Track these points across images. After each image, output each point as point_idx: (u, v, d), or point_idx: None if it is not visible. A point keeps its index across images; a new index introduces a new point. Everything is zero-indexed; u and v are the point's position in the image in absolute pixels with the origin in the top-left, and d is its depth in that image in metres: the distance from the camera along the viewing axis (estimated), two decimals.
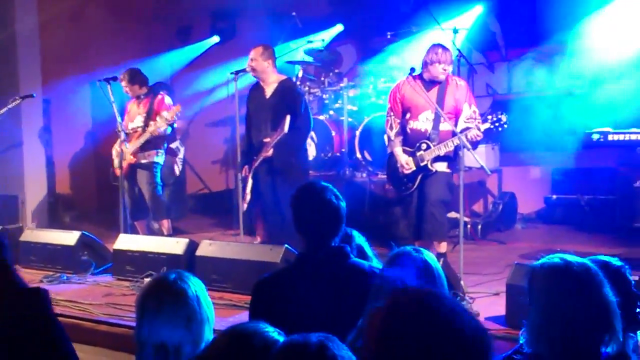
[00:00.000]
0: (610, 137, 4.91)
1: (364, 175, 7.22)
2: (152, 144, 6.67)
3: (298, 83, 7.73)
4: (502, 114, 4.96)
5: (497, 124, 4.97)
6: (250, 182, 5.95)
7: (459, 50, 7.08)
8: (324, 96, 7.80)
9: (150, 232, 6.92)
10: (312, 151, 7.38)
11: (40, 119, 8.11)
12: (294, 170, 5.85)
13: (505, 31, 8.25)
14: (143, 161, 6.68)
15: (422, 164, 5.22)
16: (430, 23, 7.39)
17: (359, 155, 7.16)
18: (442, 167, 5.25)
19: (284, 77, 6.10)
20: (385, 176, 7.11)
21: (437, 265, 2.42)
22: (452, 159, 5.30)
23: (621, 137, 4.89)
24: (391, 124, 5.43)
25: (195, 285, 2.23)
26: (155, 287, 2.25)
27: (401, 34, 7.80)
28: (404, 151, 5.34)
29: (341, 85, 7.56)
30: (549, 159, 7.97)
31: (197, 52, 9.93)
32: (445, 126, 5.22)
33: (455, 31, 6.79)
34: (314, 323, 2.53)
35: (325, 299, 2.55)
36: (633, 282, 2.32)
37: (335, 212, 2.70)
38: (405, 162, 5.27)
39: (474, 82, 8.05)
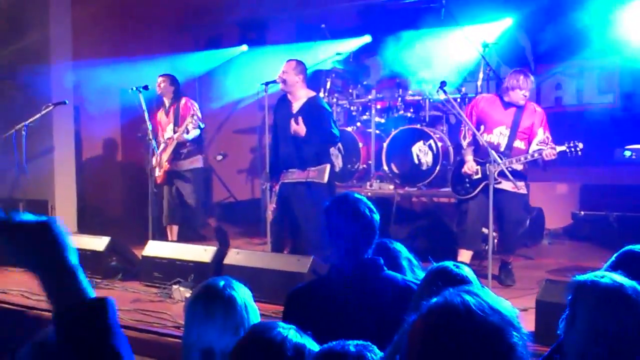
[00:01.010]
0: None
1: (391, 187, 7.22)
2: (190, 150, 6.81)
3: (326, 95, 7.76)
4: (580, 142, 5.25)
5: (572, 149, 5.25)
6: (275, 193, 5.98)
7: (488, 65, 7.08)
8: (352, 108, 7.82)
9: (181, 237, 7.03)
10: (339, 162, 7.40)
11: (71, 126, 8.22)
12: (321, 185, 5.88)
13: (534, 46, 8.22)
14: (184, 168, 6.84)
15: (488, 174, 5.40)
16: (458, 36, 7.38)
17: (385, 168, 7.17)
18: (509, 185, 5.40)
19: (313, 93, 6.10)
20: (412, 189, 7.15)
21: (475, 280, 2.41)
22: (525, 178, 5.63)
23: None
24: (464, 134, 5.70)
25: (243, 293, 2.27)
26: (205, 292, 2.29)
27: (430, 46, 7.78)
28: (475, 161, 5.61)
29: (369, 97, 7.58)
30: (577, 174, 7.91)
31: (225, 59, 10.00)
32: (519, 144, 5.56)
33: (485, 45, 6.79)
34: (346, 335, 2.55)
35: (358, 311, 2.56)
36: None
37: (369, 224, 2.71)
38: (472, 167, 5.56)
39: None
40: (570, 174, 7.98)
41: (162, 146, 6.81)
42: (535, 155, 5.27)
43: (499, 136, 5.56)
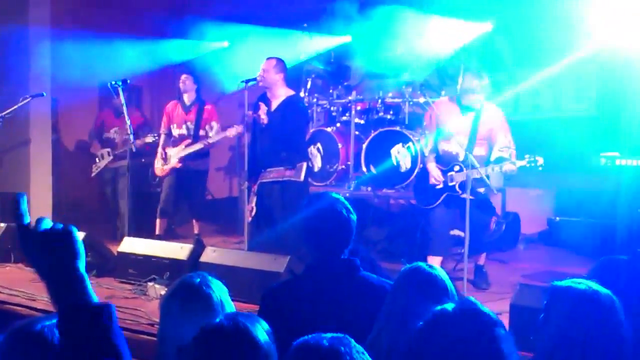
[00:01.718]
0: (617, 162, 4.94)
1: (369, 189, 7.23)
2: (203, 151, 7.08)
3: (306, 95, 7.77)
4: (539, 156, 5.17)
5: (532, 165, 5.17)
6: (254, 196, 5.99)
7: (467, 72, 7.10)
8: (332, 108, 7.83)
9: (171, 232, 7.34)
10: (317, 163, 7.40)
11: (48, 118, 8.12)
12: (298, 184, 5.89)
13: (513, 52, 8.28)
14: (196, 169, 7.10)
15: (450, 184, 5.38)
16: (439, 39, 7.43)
17: (364, 169, 7.18)
18: (470, 193, 5.35)
19: (292, 92, 6.15)
20: (390, 191, 7.17)
21: (449, 282, 2.43)
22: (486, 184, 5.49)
23: (629, 162, 4.91)
24: (426, 142, 5.62)
25: (219, 289, 2.27)
26: (181, 289, 2.28)
27: (411, 49, 7.82)
28: (436, 168, 5.53)
29: (349, 98, 7.60)
30: (554, 180, 7.99)
31: (206, 54, 9.92)
32: (479, 151, 5.43)
33: (465, 50, 6.83)
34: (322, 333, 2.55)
35: (333, 311, 2.56)
36: None
37: (346, 225, 2.72)
38: (439, 176, 5.44)
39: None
40: (546, 180, 8.05)
41: (162, 138, 7.03)
42: (496, 168, 5.20)
43: (457, 145, 5.48)
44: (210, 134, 6.93)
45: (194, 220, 7.39)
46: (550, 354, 2.00)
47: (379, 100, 7.44)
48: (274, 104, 6.00)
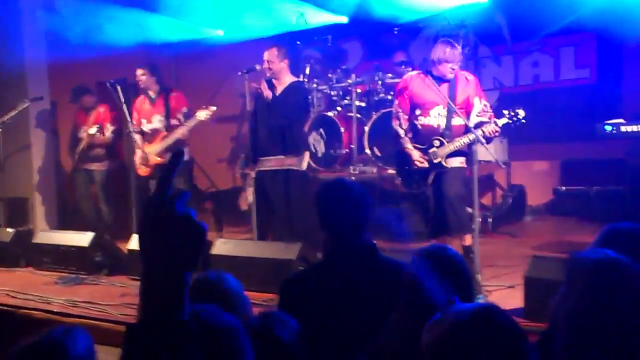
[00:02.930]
0: (623, 129, 4.92)
1: (374, 171, 7.23)
2: (176, 142, 6.75)
3: (305, 80, 7.74)
4: (519, 107, 4.91)
5: (514, 119, 4.92)
6: (252, 183, 5.98)
7: (466, 46, 7.07)
8: (332, 93, 7.80)
9: None
10: (321, 148, 7.40)
11: (48, 122, 8.11)
12: (299, 172, 5.90)
13: (510, 24, 8.24)
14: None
15: (435, 161, 5.13)
16: (437, 17, 7.39)
17: (368, 151, 7.17)
18: (456, 162, 5.18)
19: (295, 79, 6.18)
20: (395, 171, 7.14)
21: (464, 263, 2.43)
22: (467, 153, 5.28)
23: (634, 128, 4.89)
24: (400, 121, 5.33)
25: (236, 284, 2.28)
26: (200, 287, 2.29)
27: (408, 29, 7.79)
28: (417, 149, 5.24)
29: (349, 81, 7.56)
30: (558, 151, 7.99)
31: (202, 45, 9.85)
32: (458, 121, 5.15)
33: (464, 27, 6.77)
34: (344, 319, 2.56)
35: (355, 295, 2.57)
36: None
37: (362, 208, 2.72)
38: (420, 159, 5.19)
39: (481, 76, 8.03)
40: (551, 151, 8.07)
41: (138, 137, 6.71)
42: (479, 133, 4.86)
43: (437, 117, 5.19)
44: (189, 125, 6.57)
45: None
46: (575, 325, 2.00)
47: (379, 82, 7.41)
48: (279, 89, 6.01)
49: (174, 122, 6.66)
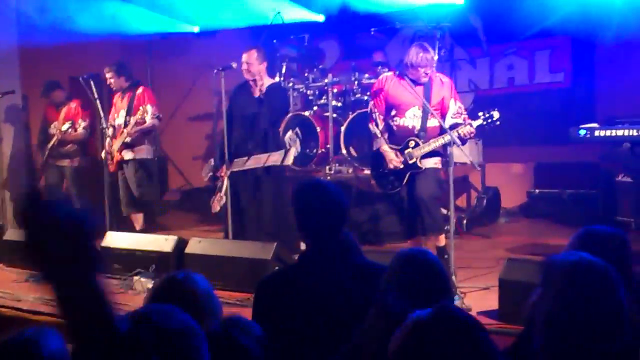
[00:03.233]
0: (596, 133, 4.97)
1: (350, 171, 7.22)
2: (136, 139, 6.71)
3: (282, 79, 7.72)
4: (494, 110, 4.96)
5: (489, 121, 4.97)
6: (226, 183, 5.93)
7: (441, 48, 7.11)
8: (308, 92, 7.78)
9: (149, 224, 6.95)
10: (297, 147, 7.37)
11: (19, 116, 7.98)
12: (274, 171, 5.88)
13: (486, 27, 8.30)
14: (127, 157, 6.71)
15: (410, 162, 5.15)
16: (414, 19, 7.42)
17: (344, 151, 7.17)
18: (431, 163, 5.21)
19: (272, 80, 6.23)
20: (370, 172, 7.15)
21: (442, 266, 2.43)
22: (441, 154, 5.31)
23: (607, 132, 4.95)
24: (376, 122, 5.33)
25: (204, 284, 2.24)
26: (166, 287, 2.25)
27: (385, 30, 7.80)
28: (391, 149, 5.25)
29: (325, 81, 7.55)
30: (532, 154, 8.07)
31: (177, 40, 9.75)
32: (433, 122, 5.18)
33: (440, 29, 6.80)
34: (320, 321, 2.55)
35: (331, 296, 2.55)
36: None
37: (339, 209, 2.70)
38: (396, 160, 5.20)
39: (456, 78, 8.10)
40: (525, 153, 8.14)
41: (109, 132, 6.70)
42: (454, 134, 4.83)
43: (412, 119, 5.19)
44: (146, 119, 6.56)
45: (137, 215, 6.92)
46: (552, 327, 2.01)
47: (355, 82, 7.40)
48: (256, 92, 6.00)
49: (134, 118, 6.60)
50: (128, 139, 6.65)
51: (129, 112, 6.71)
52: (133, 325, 1.58)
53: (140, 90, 6.81)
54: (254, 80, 6.01)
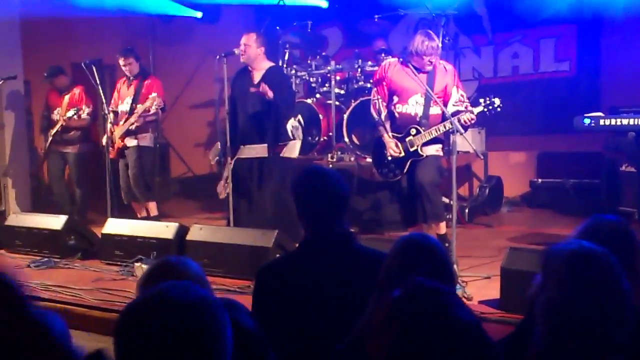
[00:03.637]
0: (602, 122, 4.93)
1: (352, 159, 7.20)
2: (140, 126, 6.68)
3: (284, 66, 7.68)
4: (495, 97, 4.94)
5: (490, 107, 4.95)
6: (229, 169, 5.91)
7: (445, 36, 7.06)
8: (311, 79, 7.75)
9: (148, 213, 6.91)
10: (299, 135, 7.32)
11: (22, 101, 7.96)
12: (279, 159, 5.85)
13: (491, 15, 8.25)
14: (130, 144, 6.70)
15: (412, 149, 5.13)
16: (418, 5, 7.36)
17: (346, 139, 7.14)
18: (432, 150, 5.19)
19: (272, 64, 6.09)
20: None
21: (445, 252, 2.41)
22: (442, 141, 5.29)
23: (612, 121, 4.91)
24: (379, 109, 5.31)
25: (196, 270, 2.24)
26: (157, 271, 2.24)
27: (388, 17, 7.76)
28: (392, 137, 5.24)
29: (328, 68, 7.51)
30: (535, 143, 8.03)
31: (180, 27, 9.69)
32: (435, 110, 5.15)
33: (445, 16, 6.75)
34: (321, 309, 2.54)
35: (332, 284, 2.53)
36: None
37: (340, 197, 2.68)
38: (396, 149, 5.19)
39: (460, 66, 8.04)
40: (528, 142, 8.11)
41: (111, 117, 6.67)
42: (456, 121, 4.79)
43: (415, 106, 5.16)
44: (151, 109, 6.52)
45: (149, 203, 6.89)
46: (552, 316, 1.99)
47: (359, 70, 7.36)
48: (256, 77, 5.93)
49: (143, 107, 6.58)
50: (134, 127, 6.63)
51: (136, 100, 6.71)
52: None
53: (149, 80, 6.82)
54: (252, 65, 5.95)
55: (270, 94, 5.67)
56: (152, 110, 6.52)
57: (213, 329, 1.54)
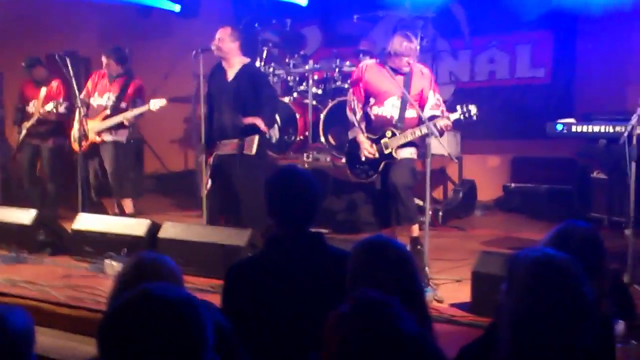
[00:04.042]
0: (573, 129, 4.99)
1: (328, 159, 7.18)
2: (121, 124, 6.60)
3: (262, 64, 7.64)
4: (471, 104, 4.97)
5: (466, 115, 4.98)
6: (209, 165, 5.88)
7: (423, 38, 7.09)
8: (289, 78, 7.71)
9: (121, 210, 6.82)
10: (275, 133, 7.31)
11: None
12: (255, 155, 5.80)
13: (469, 19, 8.29)
14: (107, 139, 6.60)
15: (386, 152, 5.15)
16: (397, 6, 7.39)
17: (322, 139, 7.12)
18: (406, 153, 5.22)
19: (247, 60, 6.03)
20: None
21: (408, 254, 2.41)
22: (417, 145, 5.30)
23: (584, 128, 4.97)
24: (354, 109, 5.33)
25: (172, 267, 2.24)
26: (135, 267, 2.23)
27: (367, 17, 7.76)
28: (367, 138, 5.26)
29: (306, 67, 7.48)
30: (510, 147, 8.09)
31: (158, 21, 9.60)
32: (411, 113, 5.17)
33: (423, 19, 6.78)
34: (290, 309, 2.52)
35: (302, 284, 2.53)
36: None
37: (310, 197, 2.68)
38: (371, 149, 5.20)
39: (437, 69, 8.09)
40: (503, 147, 8.16)
41: (83, 111, 6.50)
42: (432, 126, 4.78)
43: (391, 108, 5.20)
44: (138, 112, 6.51)
45: (122, 201, 6.82)
46: (516, 323, 2.01)
47: (337, 69, 7.35)
48: (230, 74, 5.89)
49: (123, 105, 6.57)
50: (127, 123, 6.57)
51: (120, 98, 6.64)
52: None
53: (137, 82, 6.77)
54: (226, 60, 5.90)
55: (262, 125, 5.65)
56: (134, 111, 6.46)
57: (197, 327, 1.58)
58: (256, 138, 5.68)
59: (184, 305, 1.59)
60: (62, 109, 7.06)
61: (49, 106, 6.95)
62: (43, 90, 7.26)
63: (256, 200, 5.48)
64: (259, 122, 5.66)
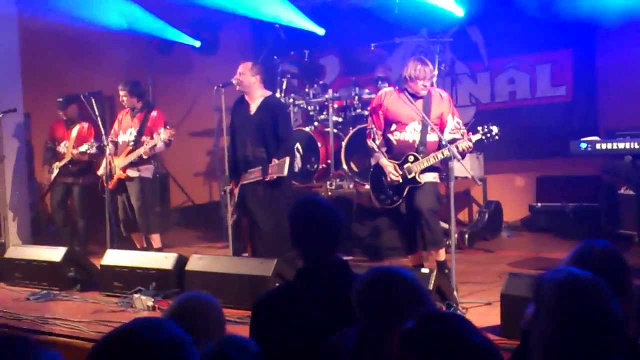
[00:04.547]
0: (598, 146, 4.96)
1: (351, 186, 7.21)
2: (142, 158, 6.68)
3: (282, 95, 7.73)
4: (493, 124, 4.96)
5: (488, 135, 4.97)
6: (235, 196, 5.93)
7: (442, 62, 7.13)
8: (309, 107, 7.79)
9: (149, 244, 6.89)
10: (297, 163, 7.37)
11: (22, 133, 8.00)
12: (280, 183, 5.82)
13: (487, 41, 8.32)
14: (133, 175, 6.69)
15: (410, 176, 5.16)
16: (413, 33, 7.44)
17: (345, 167, 7.16)
18: (429, 177, 5.23)
19: (268, 93, 6.14)
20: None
21: (424, 286, 2.36)
22: (440, 169, 5.31)
23: (609, 145, 4.93)
24: (373, 137, 5.37)
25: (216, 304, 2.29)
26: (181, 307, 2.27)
27: (385, 45, 7.83)
28: (390, 162, 5.27)
29: (326, 96, 7.56)
30: (534, 167, 8.04)
31: (178, 58, 9.76)
32: (432, 137, 5.20)
33: (440, 43, 6.82)
34: (318, 339, 2.52)
35: (328, 313, 2.53)
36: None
37: (334, 227, 2.70)
38: (396, 174, 5.21)
39: (457, 92, 8.11)
40: (527, 167, 8.12)
41: (111, 148, 6.66)
42: (454, 149, 4.82)
43: (412, 133, 5.21)
44: (158, 142, 6.51)
45: (150, 236, 6.87)
46: (547, 346, 1.99)
47: (356, 97, 7.41)
48: (253, 107, 5.99)
49: (144, 139, 6.65)
50: (145, 156, 6.64)
51: (141, 132, 6.73)
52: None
53: (155, 113, 6.85)
54: (248, 94, 6.00)
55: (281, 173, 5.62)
56: (158, 144, 6.50)
57: None
58: (287, 160, 5.64)
59: (166, 348, 1.55)
60: (94, 150, 7.14)
61: (83, 147, 7.08)
62: (74, 131, 7.41)
63: (280, 227, 5.49)
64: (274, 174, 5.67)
